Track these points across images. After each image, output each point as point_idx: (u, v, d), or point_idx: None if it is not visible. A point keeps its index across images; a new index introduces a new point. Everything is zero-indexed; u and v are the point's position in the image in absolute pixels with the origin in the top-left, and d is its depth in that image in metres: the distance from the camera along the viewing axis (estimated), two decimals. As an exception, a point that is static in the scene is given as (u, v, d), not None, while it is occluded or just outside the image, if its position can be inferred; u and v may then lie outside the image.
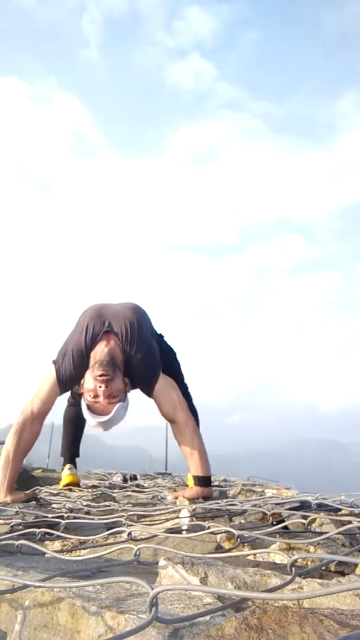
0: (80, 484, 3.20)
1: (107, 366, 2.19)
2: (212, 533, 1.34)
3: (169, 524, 1.61)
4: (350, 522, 1.37)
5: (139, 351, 2.31)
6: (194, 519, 1.63)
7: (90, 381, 2.22)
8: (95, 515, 1.86)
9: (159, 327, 2.75)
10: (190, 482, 2.49)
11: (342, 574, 1.10)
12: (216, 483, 3.34)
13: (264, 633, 0.62)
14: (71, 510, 1.94)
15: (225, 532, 1.32)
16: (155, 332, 2.68)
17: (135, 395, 2.45)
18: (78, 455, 3.29)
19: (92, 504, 2.18)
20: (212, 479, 2.75)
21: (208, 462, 2.35)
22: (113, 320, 2.35)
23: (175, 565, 0.90)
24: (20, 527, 1.59)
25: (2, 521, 1.70)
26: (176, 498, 2.22)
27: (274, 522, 1.56)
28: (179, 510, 1.78)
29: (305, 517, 1.49)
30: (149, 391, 2.38)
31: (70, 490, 2.98)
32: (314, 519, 1.56)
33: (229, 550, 1.21)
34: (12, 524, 1.63)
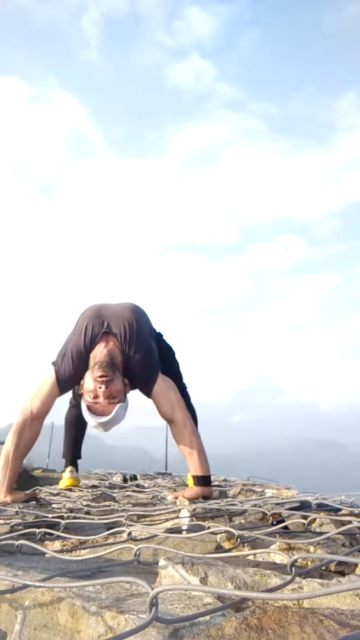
0: (80, 484, 3.20)
1: (106, 367, 2.19)
2: (212, 533, 1.34)
3: (169, 524, 1.61)
4: (350, 522, 1.37)
5: (137, 352, 2.31)
6: (194, 519, 1.63)
7: (90, 382, 2.22)
8: (95, 515, 1.86)
9: (158, 327, 2.75)
10: (190, 482, 2.49)
11: (342, 574, 1.10)
12: (216, 483, 3.34)
13: (264, 633, 0.62)
14: (71, 510, 1.94)
15: (225, 532, 1.32)
16: (155, 331, 2.68)
17: (135, 396, 2.46)
18: (80, 457, 3.29)
19: (92, 504, 2.18)
20: (212, 479, 2.74)
21: (207, 461, 2.35)
22: (112, 321, 2.35)
23: (175, 565, 0.90)
24: (20, 527, 1.59)
25: (2, 521, 1.70)
26: (176, 498, 2.22)
27: (274, 522, 1.56)
28: (179, 510, 1.78)
29: (305, 517, 1.49)
30: (147, 391, 2.38)
31: (70, 490, 2.98)
32: (314, 519, 1.56)
33: (229, 550, 1.21)
34: (12, 524, 1.63)
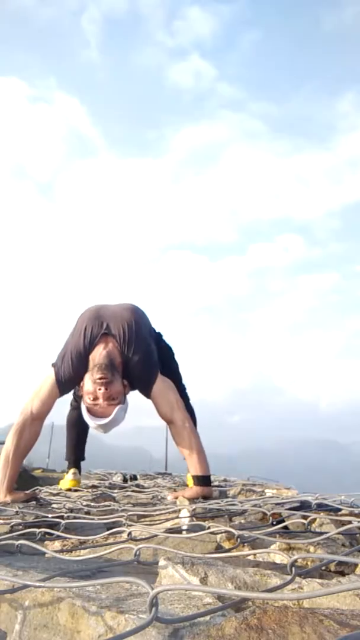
0: (80, 484, 3.20)
1: (105, 369, 2.20)
2: (212, 533, 1.34)
3: (169, 524, 1.61)
4: (350, 522, 1.37)
5: (136, 353, 2.31)
6: (194, 519, 1.63)
7: (89, 384, 2.23)
8: (95, 515, 1.86)
9: (158, 327, 2.75)
10: (190, 482, 2.49)
11: (342, 574, 1.10)
12: (216, 483, 3.34)
13: (264, 633, 0.62)
14: (71, 510, 1.94)
15: (225, 532, 1.32)
16: (154, 331, 2.68)
17: (135, 396, 2.46)
18: (83, 459, 3.29)
19: (92, 504, 2.18)
20: (212, 479, 2.74)
21: (207, 461, 2.35)
22: (111, 322, 2.36)
23: (175, 565, 0.89)
24: (20, 527, 1.59)
25: (2, 521, 1.70)
26: (176, 498, 2.22)
27: (274, 522, 1.56)
28: (179, 510, 1.78)
29: (305, 517, 1.49)
30: (147, 392, 2.38)
31: (70, 490, 2.98)
32: (314, 519, 1.56)
33: (229, 550, 1.21)
34: (12, 524, 1.63)
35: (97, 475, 4.60)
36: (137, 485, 3.37)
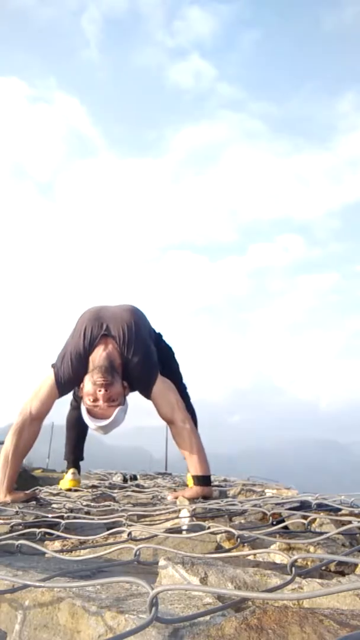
0: (80, 484, 3.20)
1: (106, 372, 2.20)
2: (212, 533, 1.34)
3: (169, 524, 1.61)
4: (350, 522, 1.37)
5: (136, 354, 2.32)
6: (194, 519, 1.62)
7: (89, 386, 2.23)
8: (95, 515, 1.86)
9: (158, 327, 2.75)
10: (190, 482, 2.49)
11: (342, 574, 1.10)
12: (216, 483, 3.34)
13: (264, 633, 0.62)
14: (71, 510, 1.94)
15: (225, 532, 1.32)
16: (154, 331, 2.68)
17: (136, 396, 2.46)
18: (82, 459, 3.29)
19: (92, 504, 2.18)
20: (212, 479, 2.74)
21: (207, 461, 2.35)
22: (111, 323, 2.36)
23: (175, 565, 0.89)
24: (20, 527, 1.59)
25: (2, 521, 1.70)
26: (176, 498, 2.22)
27: (274, 522, 1.56)
28: (179, 510, 1.78)
29: (305, 517, 1.49)
30: (147, 393, 2.38)
31: (70, 490, 2.98)
32: (314, 519, 1.56)
33: (229, 550, 1.21)
34: (12, 524, 1.63)
35: (97, 475, 4.60)
36: (137, 485, 3.37)
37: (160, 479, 4.26)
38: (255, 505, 1.85)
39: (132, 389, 2.40)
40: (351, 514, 1.74)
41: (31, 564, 1.10)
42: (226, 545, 1.32)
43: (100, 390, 2.19)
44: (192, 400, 2.83)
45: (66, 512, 1.83)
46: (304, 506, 1.83)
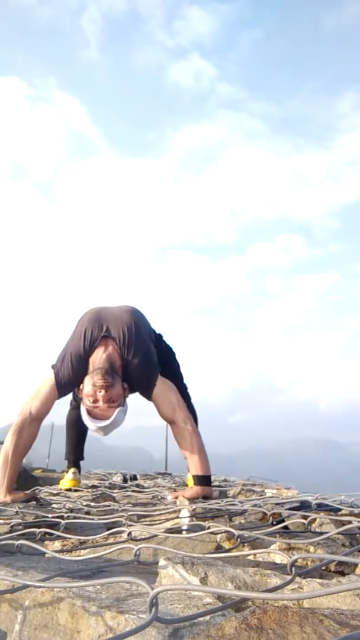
0: (80, 484, 3.20)
1: (106, 374, 2.21)
2: (212, 533, 1.34)
3: (169, 524, 1.61)
4: (350, 522, 1.37)
5: (136, 355, 2.32)
6: (194, 519, 1.62)
7: (89, 387, 2.23)
8: (95, 515, 1.85)
9: (158, 327, 2.75)
10: (190, 482, 2.49)
11: (342, 574, 1.10)
12: (216, 483, 3.34)
13: (264, 633, 0.62)
14: (71, 510, 1.94)
15: (225, 532, 1.32)
16: (154, 332, 2.68)
17: (135, 396, 2.46)
18: (82, 459, 3.29)
19: (92, 504, 2.18)
20: (212, 479, 2.74)
21: (208, 461, 2.36)
22: (111, 324, 2.36)
23: (175, 565, 0.89)
24: (20, 527, 1.59)
25: (2, 521, 1.70)
26: (176, 498, 2.22)
27: (274, 522, 1.56)
28: (179, 510, 1.78)
29: (305, 517, 1.49)
30: (147, 394, 2.39)
31: (70, 490, 2.98)
32: (314, 519, 1.56)
33: (229, 550, 1.21)
34: (12, 524, 1.63)
35: (97, 475, 4.60)
36: (137, 485, 3.37)
37: (160, 479, 4.27)
38: (255, 505, 1.85)
39: (133, 391, 2.41)
40: (351, 514, 1.74)
41: (31, 564, 1.10)
42: (226, 545, 1.32)
43: (100, 392, 2.19)
44: (192, 401, 2.83)
45: (66, 512, 1.83)
46: (304, 506, 1.83)
